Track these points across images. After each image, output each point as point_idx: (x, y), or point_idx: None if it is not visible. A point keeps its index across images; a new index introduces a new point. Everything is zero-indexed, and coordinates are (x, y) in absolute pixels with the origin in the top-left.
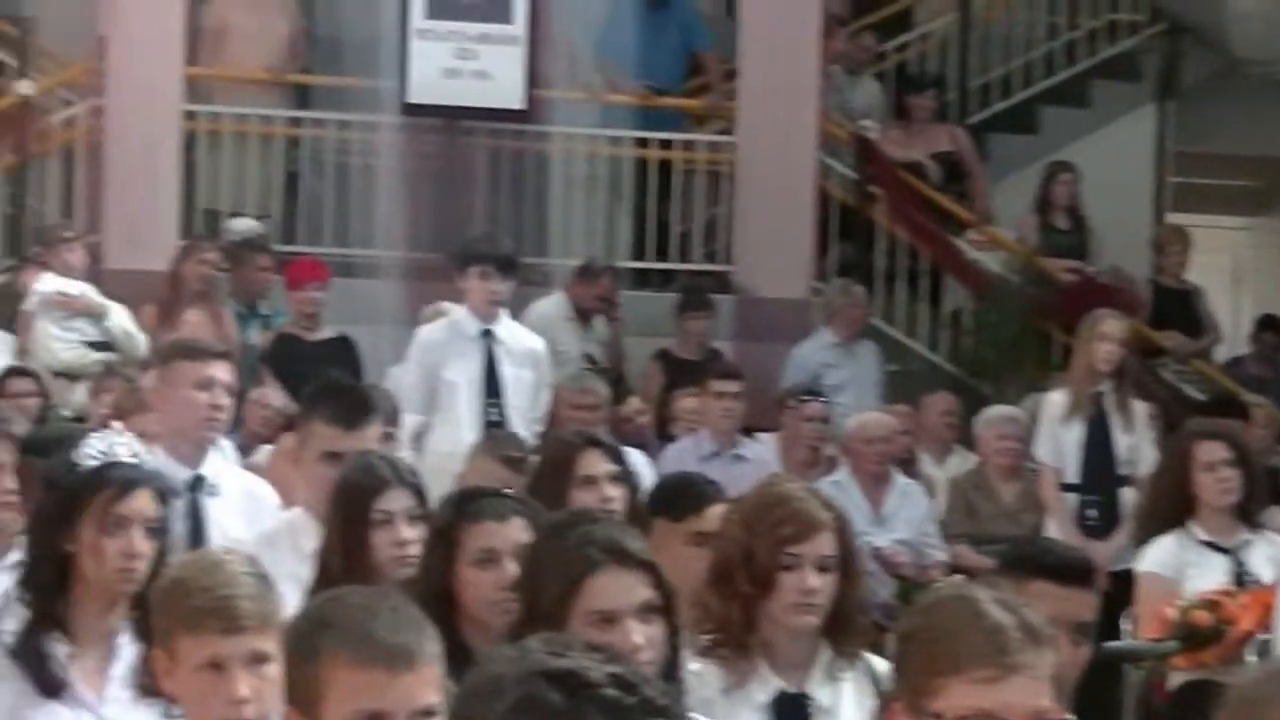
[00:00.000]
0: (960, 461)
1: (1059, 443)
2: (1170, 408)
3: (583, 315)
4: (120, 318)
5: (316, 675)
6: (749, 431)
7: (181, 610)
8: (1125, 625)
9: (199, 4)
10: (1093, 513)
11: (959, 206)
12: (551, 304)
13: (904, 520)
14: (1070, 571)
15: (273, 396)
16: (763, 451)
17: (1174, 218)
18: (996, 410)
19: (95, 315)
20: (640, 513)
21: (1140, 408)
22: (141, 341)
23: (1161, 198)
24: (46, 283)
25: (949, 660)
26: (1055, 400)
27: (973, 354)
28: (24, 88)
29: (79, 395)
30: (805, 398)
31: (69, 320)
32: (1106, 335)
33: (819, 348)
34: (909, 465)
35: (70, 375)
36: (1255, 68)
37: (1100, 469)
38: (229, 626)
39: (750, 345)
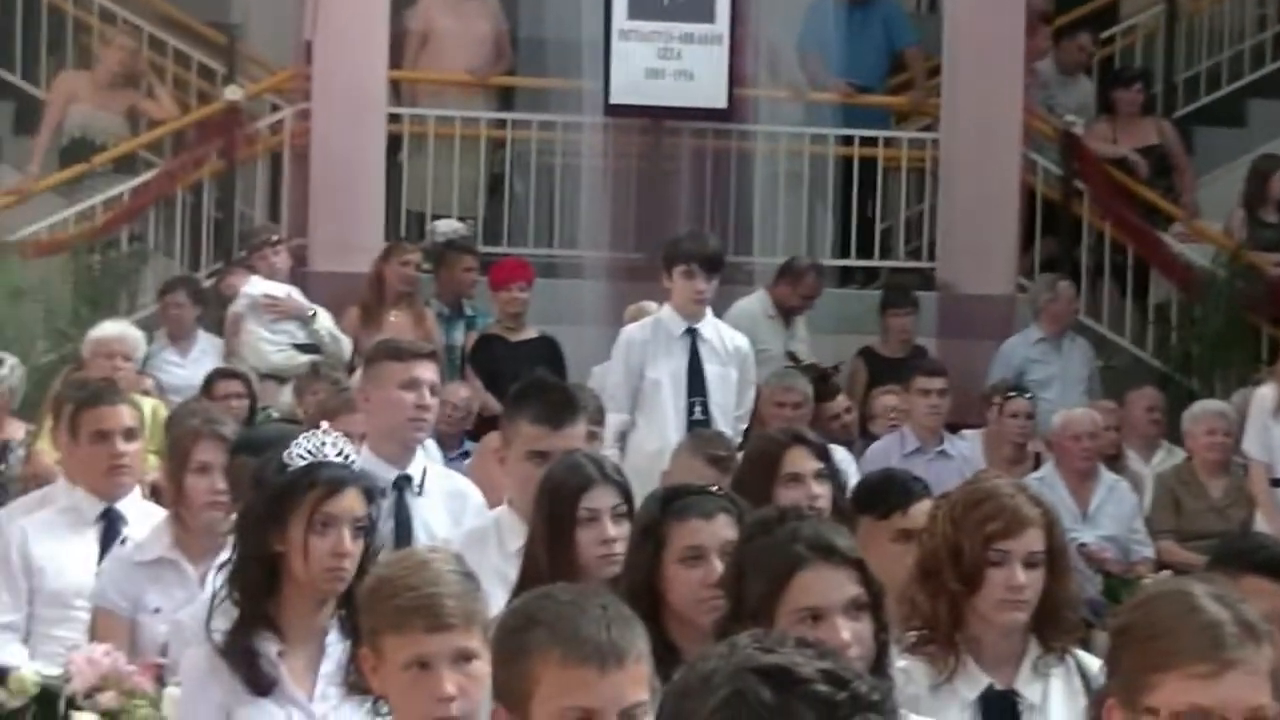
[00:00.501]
0: (1166, 457)
1: (1269, 437)
2: None
3: (785, 313)
4: (326, 320)
5: (526, 673)
6: (953, 428)
7: (387, 609)
8: None
9: (404, 8)
10: None
11: (1165, 201)
12: (754, 302)
13: (1110, 517)
14: None
15: (457, 392)
16: (966, 448)
17: None
18: (1205, 405)
19: (302, 318)
20: (846, 510)
21: None
22: (346, 344)
23: None
24: (254, 286)
25: (1165, 656)
26: (1265, 395)
27: (1179, 349)
28: (232, 93)
29: (286, 397)
30: (1010, 394)
31: (276, 323)
32: None
33: (1025, 344)
34: (1116, 461)
35: (278, 377)
36: None
37: None
38: (434, 625)
39: (954, 342)
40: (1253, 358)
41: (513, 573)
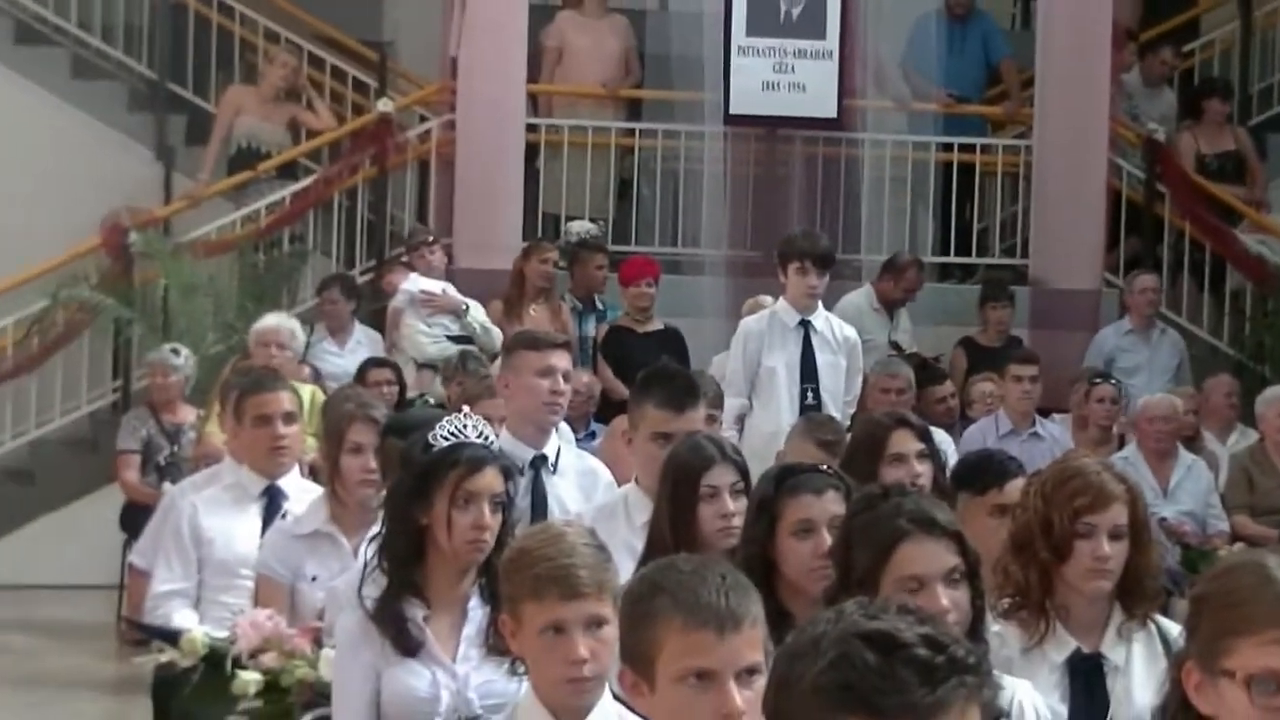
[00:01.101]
0: (1240, 438)
1: None
2: None
3: (888, 306)
4: (478, 313)
5: (651, 637)
6: (1044, 412)
7: (526, 578)
8: None
9: (541, 27)
10: None
11: (1240, 202)
12: (860, 296)
13: (1188, 493)
14: None
15: (580, 378)
16: (1057, 430)
17: None
18: (1277, 390)
19: (456, 312)
20: (945, 487)
21: None
22: (497, 335)
23: None
24: (412, 282)
25: (1241, 622)
26: None
27: (1253, 339)
28: (383, 105)
29: (440, 385)
30: (1096, 380)
31: (433, 317)
32: None
33: (1117, 334)
34: (1194, 442)
35: (435, 367)
36: None
37: None
38: (569, 593)
39: (1045, 333)
40: None
41: (639, 544)
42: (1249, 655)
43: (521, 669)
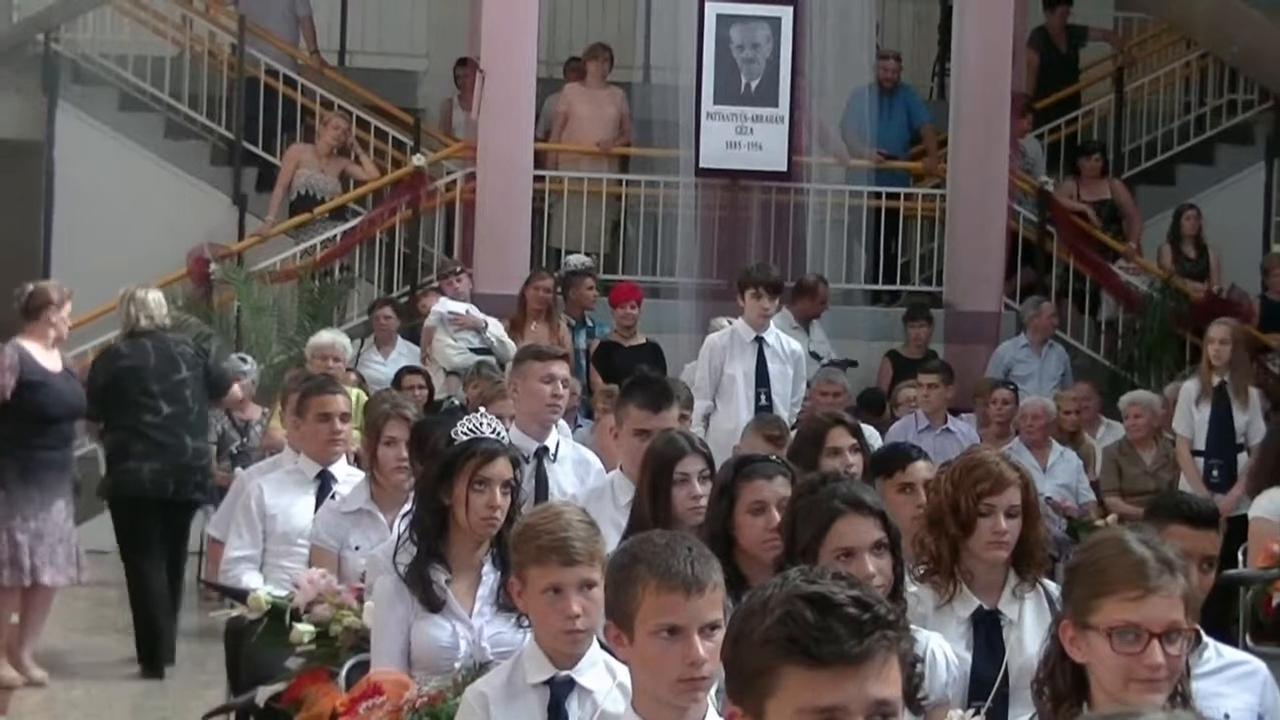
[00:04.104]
0: (1107, 432)
1: (1192, 419)
2: (1276, 392)
3: (805, 322)
4: (497, 329)
5: (631, 597)
6: (955, 411)
7: (531, 548)
8: (1240, 559)
9: (547, 95)
10: (1216, 472)
11: (1115, 241)
12: (779, 318)
13: (1061, 472)
14: (1201, 517)
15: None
16: (965, 427)
17: (1279, 248)
18: (1132, 395)
19: (477, 328)
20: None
21: (1254, 393)
22: (512, 347)
23: (1269, 233)
24: (442, 304)
25: (1104, 585)
26: (1189, 387)
27: (1124, 353)
28: (417, 160)
29: (463, 389)
30: (996, 386)
31: (458, 332)
32: (1213, 339)
33: (1014, 348)
34: (1076, 436)
35: (459, 374)
36: None
37: (1222, 439)
38: (566, 560)
39: (956, 347)
40: (1179, 360)
41: (624, 521)
42: (1110, 611)
43: (526, 623)
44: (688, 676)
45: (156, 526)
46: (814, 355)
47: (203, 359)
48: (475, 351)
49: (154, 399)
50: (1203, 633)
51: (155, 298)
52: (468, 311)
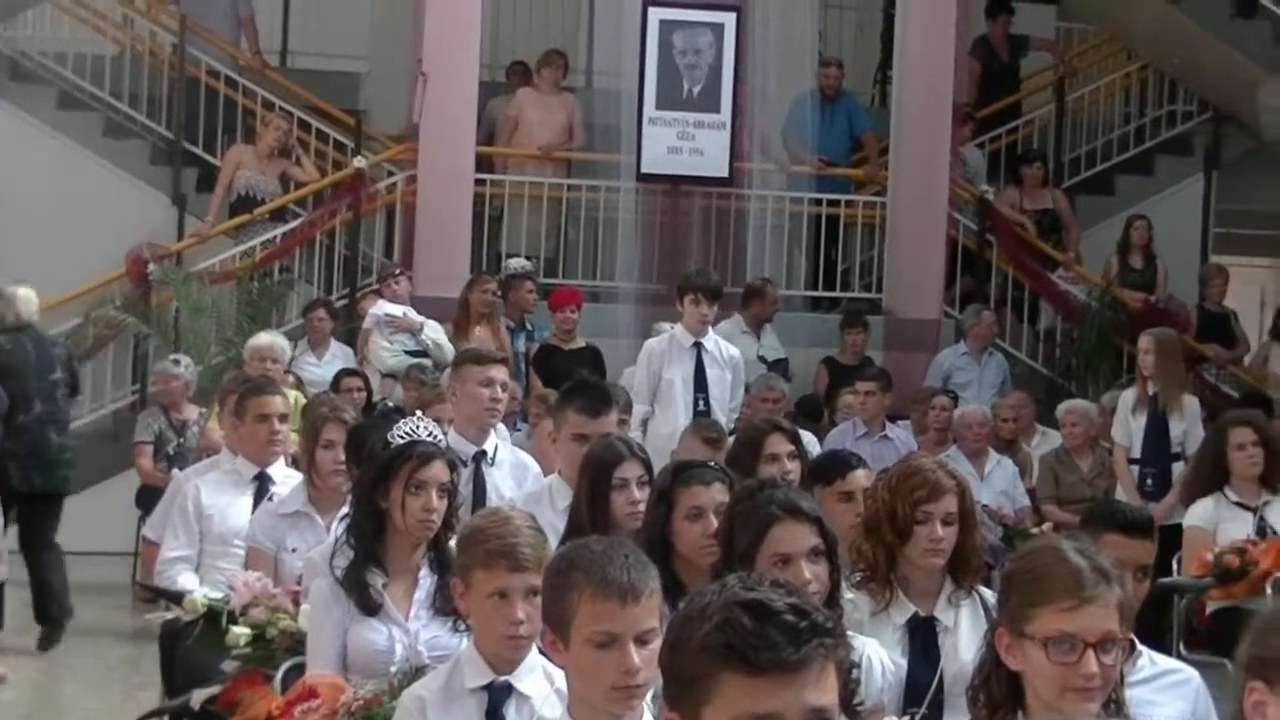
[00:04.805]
0: (1042, 440)
1: (1129, 427)
2: (1212, 401)
3: (755, 326)
4: (434, 331)
5: (567, 604)
6: (894, 418)
7: (478, 551)
8: (1174, 567)
9: (499, 99)
10: (1150, 481)
11: (1055, 250)
12: (730, 323)
13: (998, 479)
14: (1136, 526)
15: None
16: (903, 434)
17: (1216, 259)
18: (1069, 404)
19: (413, 331)
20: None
21: (1190, 401)
22: (449, 350)
23: (1207, 244)
24: (379, 307)
25: (1040, 594)
26: (1127, 396)
27: (1062, 362)
28: (358, 162)
29: (400, 391)
30: (935, 394)
31: (394, 334)
32: (1140, 349)
33: (953, 356)
34: (1013, 444)
35: (395, 376)
36: (1279, 146)
37: (1157, 448)
38: (514, 566)
39: (896, 354)
40: (1116, 369)
41: (562, 526)
42: (1046, 621)
43: (463, 627)
44: (622, 684)
45: (27, 517)
46: (761, 360)
47: (71, 362)
48: (411, 354)
49: (29, 398)
50: (1137, 641)
51: (25, 294)
52: (405, 314)
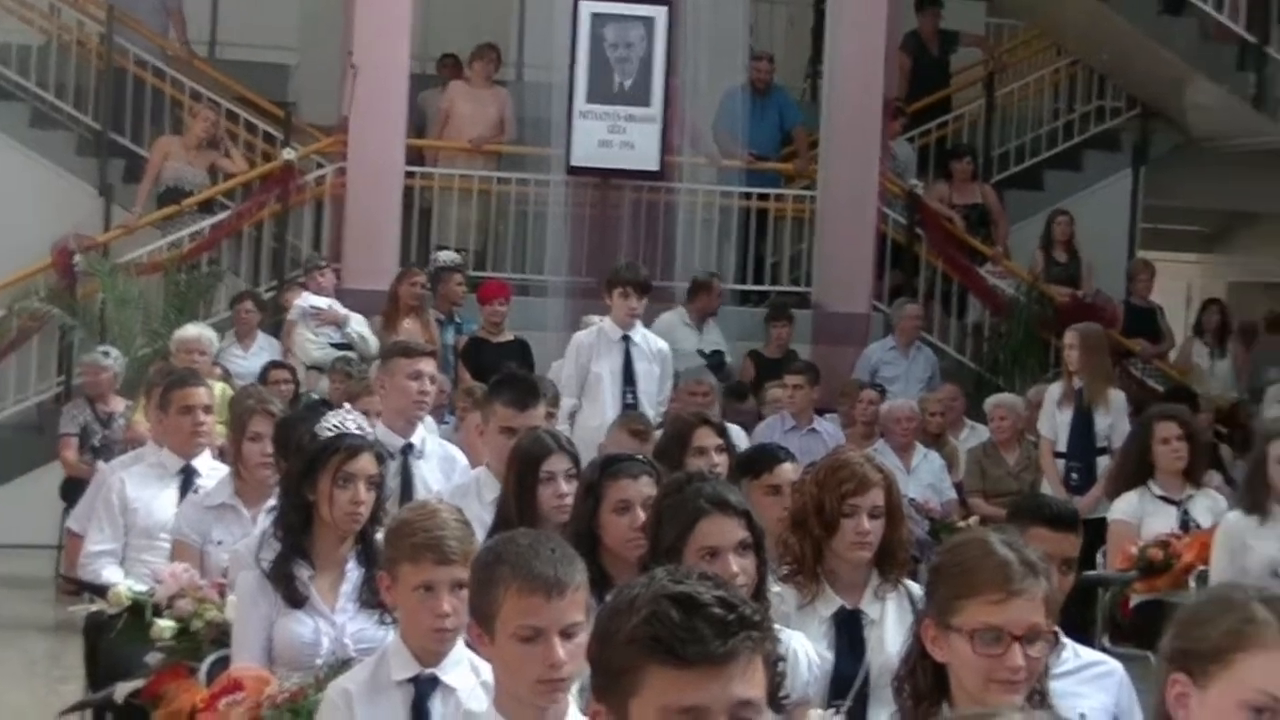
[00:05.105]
0: (970, 434)
1: (1054, 421)
2: (1138, 396)
3: (699, 319)
4: (359, 325)
5: (493, 597)
6: (821, 411)
7: (406, 545)
8: (1099, 560)
9: (429, 91)
10: (1075, 475)
11: (983, 244)
12: (674, 315)
13: (925, 473)
14: (1061, 520)
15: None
16: (831, 428)
17: (1143, 254)
18: (997, 397)
19: (338, 324)
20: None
21: (1116, 395)
22: (374, 343)
23: (1134, 239)
24: (304, 299)
25: (967, 587)
26: (1053, 389)
27: (990, 356)
28: (287, 154)
29: (324, 384)
30: (863, 387)
31: (319, 327)
32: (1065, 344)
33: (881, 350)
34: (940, 438)
35: (319, 369)
36: (1206, 143)
37: (1083, 442)
38: (440, 559)
39: (825, 348)
40: (1044, 364)
41: (489, 519)
42: (973, 613)
43: (390, 619)
44: (547, 678)
45: None
46: (700, 353)
47: None
48: (336, 347)
49: None
50: (1061, 634)
51: None
52: (330, 307)
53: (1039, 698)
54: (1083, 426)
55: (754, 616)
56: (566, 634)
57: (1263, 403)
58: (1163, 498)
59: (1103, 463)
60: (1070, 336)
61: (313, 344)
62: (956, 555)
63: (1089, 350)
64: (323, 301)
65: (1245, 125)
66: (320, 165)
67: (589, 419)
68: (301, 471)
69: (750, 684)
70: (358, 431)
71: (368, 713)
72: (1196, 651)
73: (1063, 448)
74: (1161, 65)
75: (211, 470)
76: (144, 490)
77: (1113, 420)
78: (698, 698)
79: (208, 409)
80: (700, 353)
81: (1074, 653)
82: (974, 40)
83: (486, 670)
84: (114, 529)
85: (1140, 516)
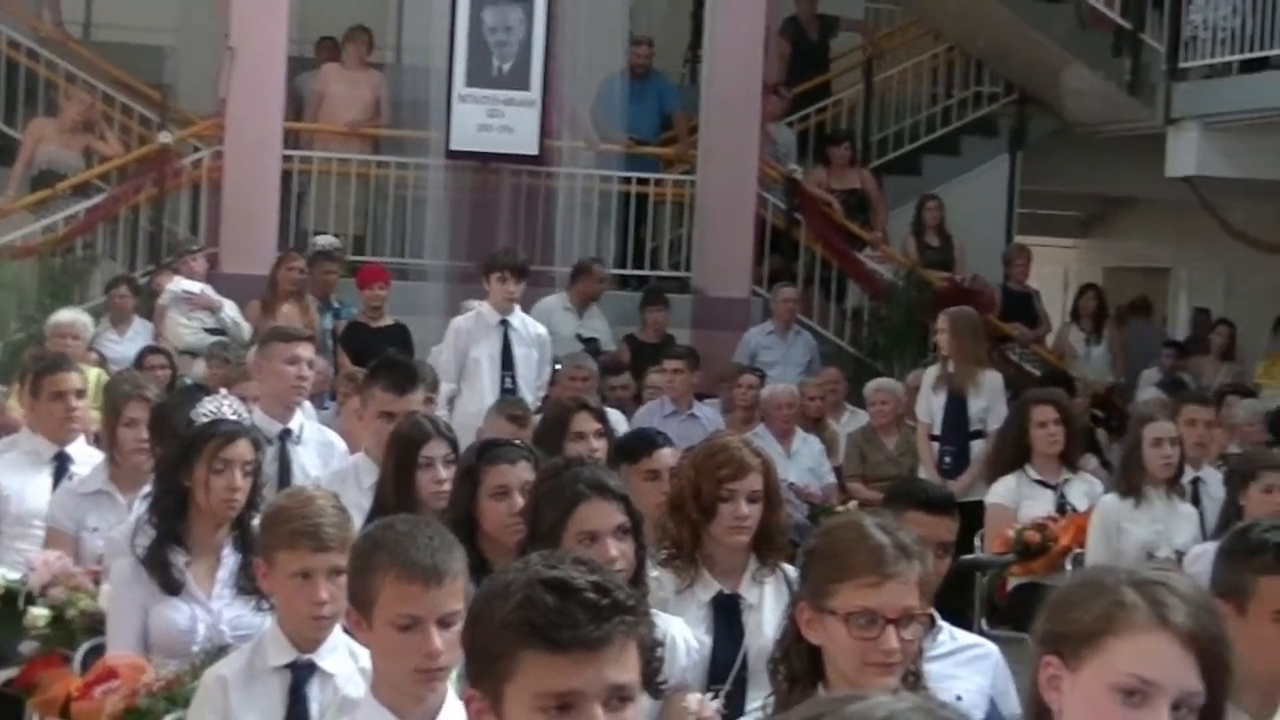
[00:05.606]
0: (851, 418)
1: (930, 405)
2: (1015, 380)
3: (581, 305)
4: (231, 310)
5: (371, 584)
6: (702, 397)
7: (282, 531)
8: (976, 543)
9: (298, 73)
10: (949, 458)
11: (862, 229)
12: (555, 299)
13: (804, 457)
14: (937, 503)
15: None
16: (710, 413)
17: (1020, 239)
18: (877, 382)
19: (212, 309)
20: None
21: (991, 378)
22: (246, 329)
23: (1011, 224)
24: (176, 284)
25: (841, 570)
26: (930, 373)
27: (869, 340)
28: (164, 137)
29: (199, 368)
30: (743, 372)
31: (192, 312)
32: (939, 328)
33: (760, 334)
34: (820, 422)
35: (192, 354)
36: (1082, 129)
37: (956, 425)
38: (317, 546)
39: (704, 333)
40: (922, 348)
41: (367, 504)
42: (847, 596)
43: (267, 606)
44: (424, 667)
45: None
46: (579, 338)
47: None
48: (210, 332)
49: None
50: (937, 616)
51: None
52: (203, 291)
53: (914, 680)
54: (956, 410)
55: (628, 601)
56: (444, 623)
57: (1137, 387)
58: (1039, 481)
59: (976, 446)
60: (942, 321)
61: (186, 329)
62: (831, 538)
63: (959, 334)
64: (195, 286)
65: (1121, 111)
66: (197, 149)
67: (467, 404)
68: (177, 457)
69: (624, 668)
70: (234, 417)
71: (244, 699)
72: (1068, 634)
73: (938, 431)
74: (1038, 51)
75: (87, 457)
76: (17, 477)
77: (986, 403)
78: (571, 682)
79: (80, 394)
80: (579, 337)
81: (950, 635)
82: (853, 25)
83: (364, 656)
84: None
85: (1017, 500)
